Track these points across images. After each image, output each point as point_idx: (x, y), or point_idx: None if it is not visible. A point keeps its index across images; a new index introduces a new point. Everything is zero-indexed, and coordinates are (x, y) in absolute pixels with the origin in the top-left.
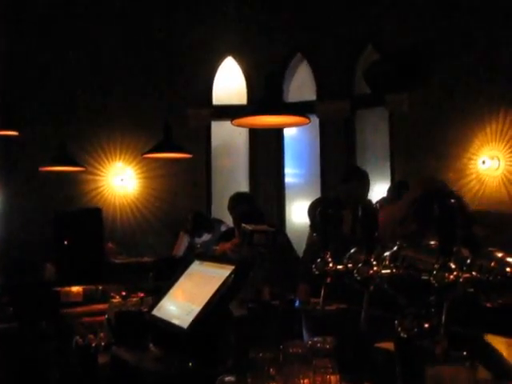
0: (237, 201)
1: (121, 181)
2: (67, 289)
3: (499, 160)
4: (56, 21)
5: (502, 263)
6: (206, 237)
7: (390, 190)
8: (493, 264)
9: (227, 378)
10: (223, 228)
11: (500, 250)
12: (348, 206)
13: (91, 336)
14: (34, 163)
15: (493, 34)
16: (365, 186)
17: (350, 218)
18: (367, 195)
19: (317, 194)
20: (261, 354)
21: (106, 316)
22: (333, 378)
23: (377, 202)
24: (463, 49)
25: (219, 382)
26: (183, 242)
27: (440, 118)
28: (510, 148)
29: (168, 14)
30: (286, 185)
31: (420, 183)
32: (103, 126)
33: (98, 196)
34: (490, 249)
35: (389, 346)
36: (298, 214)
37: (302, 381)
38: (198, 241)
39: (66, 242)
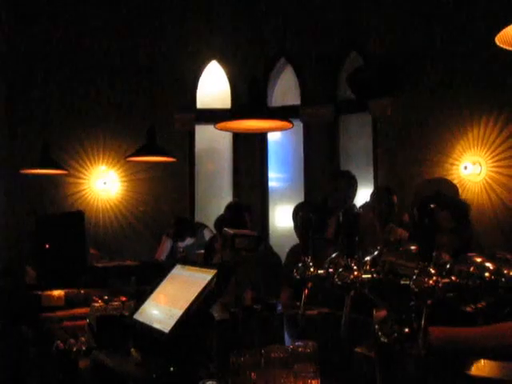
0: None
1: (104, 184)
2: (48, 293)
3: (481, 165)
4: (39, 21)
5: (481, 268)
6: (189, 241)
7: (372, 195)
8: (472, 269)
9: (208, 382)
10: (206, 232)
11: (479, 255)
12: (334, 210)
13: (72, 340)
14: (16, 166)
15: (475, 40)
16: (350, 189)
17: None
18: (353, 199)
19: (300, 199)
20: (242, 359)
21: (88, 320)
22: (314, 382)
23: (360, 207)
24: (446, 54)
25: None
26: (166, 246)
27: (423, 124)
28: (491, 154)
29: (153, 18)
30: (269, 189)
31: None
32: (86, 128)
33: (80, 199)
34: (470, 254)
35: (369, 350)
36: (281, 218)
37: None
38: (181, 245)
39: (47, 246)
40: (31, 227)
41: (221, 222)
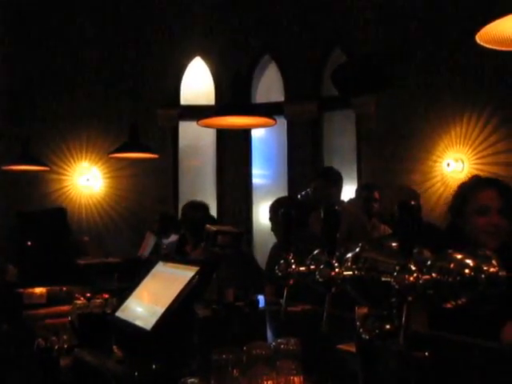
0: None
1: (86, 181)
2: (30, 290)
3: (463, 162)
4: (23, 19)
5: (461, 264)
6: (173, 237)
7: (357, 192)
8: (452, 265)
9: (190, 380)
10: None
11: (460, 252)
12: (316, 206)
13: (54, 338)
14: None
15: (458, 38)
16: (332, 186)
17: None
18: (338, 196)
19: (284, 195)
20: (224, 356)
21: (69, 318)
22: (296, 379)
23: (347, 203)
24: (429, 52)
25: (182, 383)
26: (149, 242)
27: (406, 121)
28: (474, 151)
29: (136, 14)
30: (253, 185)
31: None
32: (69, 124)
33: (63, 196)
34: (450, 250)
35: (351, 347)
36: (265, 214)
37: (265, 382)
38: (165, 241)
39: (29, 243)
40: (13, 224)
41: (193, 223)
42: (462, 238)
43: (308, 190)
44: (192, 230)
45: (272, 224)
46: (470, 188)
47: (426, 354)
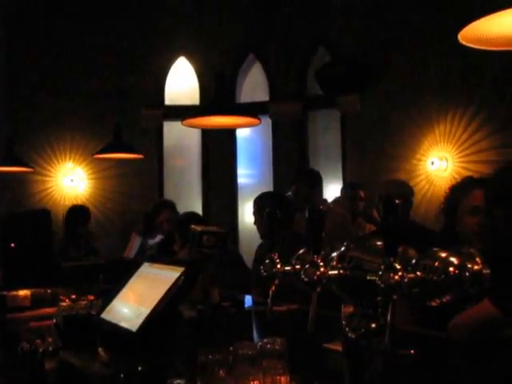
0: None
1: (71, 181)
2: (14, 293)
3: (447, 161)
4: (8, 16)
5: (446, 263)
6: (158, 238)
7: (342, 191)
8: (437, 264)
9: (177, 381)
10: None
11: (444, 250)
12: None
13: (38, 341)
14: None
15: (442, 34)
16: (313, 187)
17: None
18: (319, 196)
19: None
20: (210, 356)
21: (54, 320)
22: (283, 379)
23: (332, 203)
24: (414, 51)
25: None
26: (135, 243)
27: (390, 120)
28: (458, 149)
29: (120, 14)
30: (238, 185)
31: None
32: (53, 125)
33: (47, 197)
34: (435, 249)
35: (337, 346)
36: (250, 214)
37: (252, 382)
38: (151, 242)
39: (12, 245)
40: None
41: (180, 222)
42: (457, 239)
43: (289, 193)
44: (180, 229)
45: (255, 219)
46: (462, 189)
47: (412, 352)
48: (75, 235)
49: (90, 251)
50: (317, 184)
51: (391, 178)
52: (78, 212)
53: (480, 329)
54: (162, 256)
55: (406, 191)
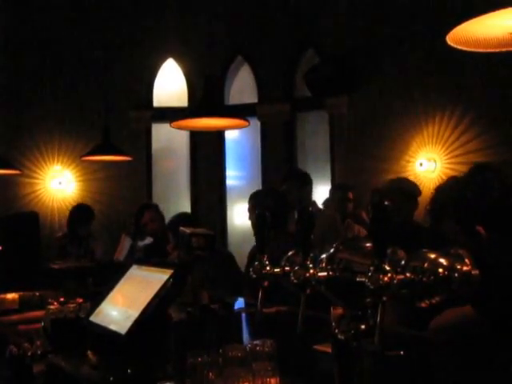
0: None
1: (59, 184)
2: (2, 296)
3: (436, 162)
4: None
5: (435, 264)
6: (148, 240)
7: (330, 192)
8: (426, 265)
9: None
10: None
11: (433, 251)
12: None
13: (27, 345)
14: None
15: (430, 36)
16: (303, 188)
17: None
18: (309, 197)
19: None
20: (200, 358)
21: (43, 323)
22: (273, 380)
23: (322, 204)
24: (401, 53)
25: None
26: (125, 245)
27: (379, 121)
28: (446, 150)
29: (108, 15)
30: (227, 187)
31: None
32: (40, 127)
33: (35, 200)
34: (424, 250)
35: (327, 348)
36: (239, 216)
37: None
38: (141, 244)
39: (0, 247)
40: None
41: (173, 223)
42: (445, 240)
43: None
44: (173, 229)
45: (249, 215)
46: (448, 191)
47: (402, 353)
48: (76, 234)
49: (88, 252)
50: (306, 184)
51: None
52: (81, 211)
53: (457, 330)
54: (152, 258)
55: (413, 189)
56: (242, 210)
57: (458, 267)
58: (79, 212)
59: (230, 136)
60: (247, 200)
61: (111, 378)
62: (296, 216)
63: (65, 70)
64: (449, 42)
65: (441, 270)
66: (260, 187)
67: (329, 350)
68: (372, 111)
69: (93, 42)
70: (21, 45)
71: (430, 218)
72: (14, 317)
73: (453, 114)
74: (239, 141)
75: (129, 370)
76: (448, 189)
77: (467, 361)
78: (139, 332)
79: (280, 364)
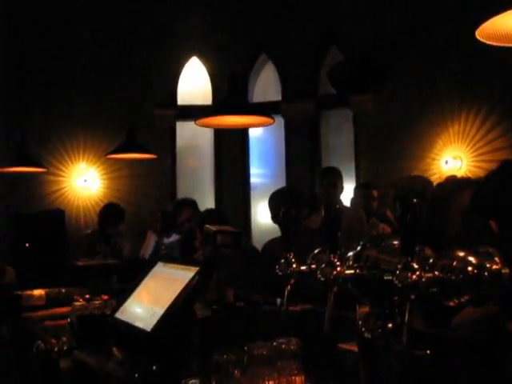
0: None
1: (84, 182)
2: (29, 292)
3: (462, 160)
4: (18, 19)
5: (464, 262)
6: (174, 237)
7: (355, 191)
8: (455, 263)
9: (191, 381)
10: None
11: (462, 249)
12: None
13: (53, 340)
14: None
15: (456, 33)
16: (333, 186)
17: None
18: (339, 194)
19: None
20: (225, 356)
21: (69, 319)
22: (298, 379)
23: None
24: (427, 50)
25: None
26: (151, 241)
27: (404, 119)
28: (472, 148)
29: (132, 15)
30: (251, 185)
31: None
32: (66, 125)
33: (60, 197)
34: (453, 248)
35: (353, 346)
36: (263, 214)
37: (266, 382)
38: (167, 241)
39: (27, 245)
40: (11, 226)
41: (201, 219)
42: (443, 238)
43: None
44: (200, 225)
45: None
46: (452, 189)
47: (428, 352)
48: (105, 233)
49: (115, 250)
50: (339, 181)
51: (409, 174)
52: (112, 212)
53: (482, 324)
54: (184, 254)
55: (425, 188)
56: (266, 208)
57: (488, 266)
58: (110, 212)
59: (254, 134)
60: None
61: (136, 375)
62: (323, 214)
63: (90, 69)
64: (478, 38)
65: (470, 268)
66: (284, 185)
67: (354, 348)
68: (397, 109)
69: (118, 42)
70: (46, 42)
71: (430, 214)
72: (41, 313)
73: (479, 112)
74: (263, 138)
75: (154, 367)
76: (450, 186)
77: (489, 359)
78: (164, 329)
79: (305, 362)
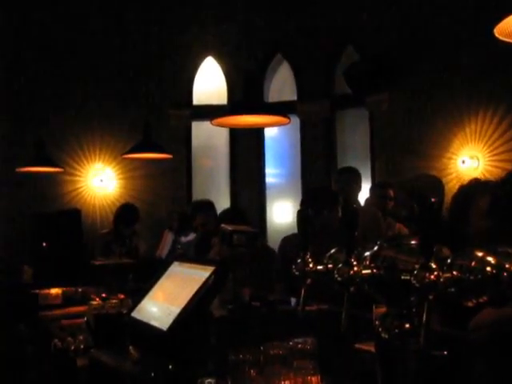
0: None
1: (100, 181)
2: (46, 291)
3: (479, 160)
4: (36, 21)
5: (483, 262)
6: (191, 236)
7: (371, 190)
8: (473, 263)
9: (207, 380)
10: None
11: (480, 249)
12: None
13: (70, 339)
14: (11, 164)
15: (472, 33)
16: (350, 185)
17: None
18: (357, 194)
19: (298, 194)
20: (241, 356)
21: (85, 318)
22: (314, 379)
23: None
24: (443, 49)
25: None
26: (168, 240)
27: (420, 118)
28: (489, 148)
29: (147, 15)
30: (266, 185)
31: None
32: (82, 125)
33: (77, 197)
34: (471, 248)
35: (370, 346)
36: (279, 213)
37: (282, 382)
38: (184, 240)
39: (44, 244)
40: (28, 226)
41: (221, 218)
42: (462, 240)
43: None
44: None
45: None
46: (474, 191)
47: (445, 353)
48: (121, 233)
49: (131, 250)
50: (354, 183)
51: (420, 173)
52: (127, 212)
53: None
54: (199, 253)
55: (435, 188)
56: (282, 208)
57: (507, 266)
58: (125, 212)
59: (270, 133)
60: (286, 198)
61: (152, 374)
62: (340, 213)
63: (106, 69)
64: (497, 35)
65: (489, 268)
66: (299, 184)
67: (371, 348)
68: (412, 108)
69: (133, 42)
70: (62, 45)
71: (450, 216)
72: (57, 311)
73: (496, 111)
74: (278, 138)
75: (170, 366)
76: (471, 189)
77: (508, 361)
78: (180, 328)
79: (321, 362)
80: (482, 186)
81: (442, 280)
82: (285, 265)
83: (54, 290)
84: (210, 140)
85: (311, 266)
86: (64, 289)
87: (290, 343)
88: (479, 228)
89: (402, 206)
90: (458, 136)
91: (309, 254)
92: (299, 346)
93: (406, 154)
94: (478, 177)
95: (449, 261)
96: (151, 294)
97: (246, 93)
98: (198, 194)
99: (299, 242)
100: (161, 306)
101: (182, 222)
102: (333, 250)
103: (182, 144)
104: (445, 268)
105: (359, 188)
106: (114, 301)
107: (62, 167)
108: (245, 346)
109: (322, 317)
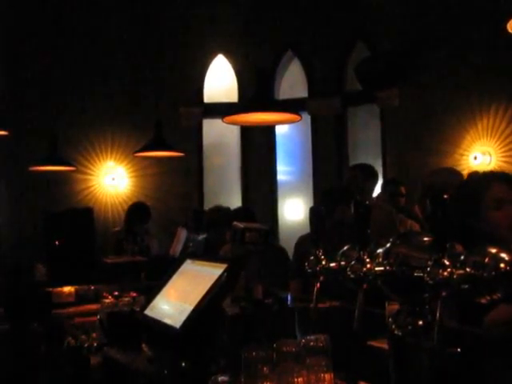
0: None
1: (112, 180)
2: (59, 289)
3: (491, 156)
4: (45, 18)
5: (496, 259)
6: (204, 235)
7: (382, 187)
8: (487, 260)
9: (220, 378)
10: None
11: (494, 246)
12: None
13: (83, 337)
14: (24, 163)
15: (484, 29)
16: (365, 181)
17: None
18: (372, 191)
19: (309, 192)
20: (254, 353)
21: (98, 316)
22: (327, 376)
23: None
24: (454, 44)
25: (212, 381)
26: (181, 237)
27: (432, 115)
28: (501, 144)
29: (158, 13)
30: (278, 182)
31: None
32: (94, 124)
33: (89, 195)
34: (484, 244)
35: (383, 343)
36: (290, 211)
37: (295, 379)
38: (197, 237)
39: (56, 242)
40: (40, 224)
41: (230, 217)
42: (474, 234)
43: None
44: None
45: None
46: (483, 183)
47: (459, 350)
48: (132, 231)
49: (143, 248)
50: (372, 177)
51: (440, 167)
52: (137, 210)
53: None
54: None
55: (456, 181)
56: (293, 205)
57: None
58: (137, 211)
59: (281, 131)
60: (298, 195)
61: (165, 371)
62: (353, 210)
63: (117, 67)
64: (509, 31)
65: (502, 265)
66: (311, 182)
67: (384, 345)
68: (424, 104)
69: (144, 40)
70: (72, 42)
71: (459, 211)
72: (71, 309)
73: (508, 107)
74: (290, 135)
75: (183, 364)
76: (475, 183)
77: None
78: (193, 326)
79: (334, 359)
80: (486, 178)
81: (455, 277)
82: (300, 263)
83: (67, 288)
84: (221, 138)
85: (324, 263)
86: (77, 287)
87: (303, 340)
88: (491, 219)
89: (418, 202)
90: (469, 132)
91: (321, 251)
92: (312, 343)
93: (418, 150)
94: None
95: (462, 257)
96: (164, 291)
97: (257, 90)
98: (209, 192)
99: (312, 239)
100: (173, 303)
101: (197, 221)
102: (345, 247)
103: (194, 142)
104: (458, 265)
105: (374, 185)
106: (127, 299)
107: (74, 166)
108: (257, 343)
109: (334, 314)
